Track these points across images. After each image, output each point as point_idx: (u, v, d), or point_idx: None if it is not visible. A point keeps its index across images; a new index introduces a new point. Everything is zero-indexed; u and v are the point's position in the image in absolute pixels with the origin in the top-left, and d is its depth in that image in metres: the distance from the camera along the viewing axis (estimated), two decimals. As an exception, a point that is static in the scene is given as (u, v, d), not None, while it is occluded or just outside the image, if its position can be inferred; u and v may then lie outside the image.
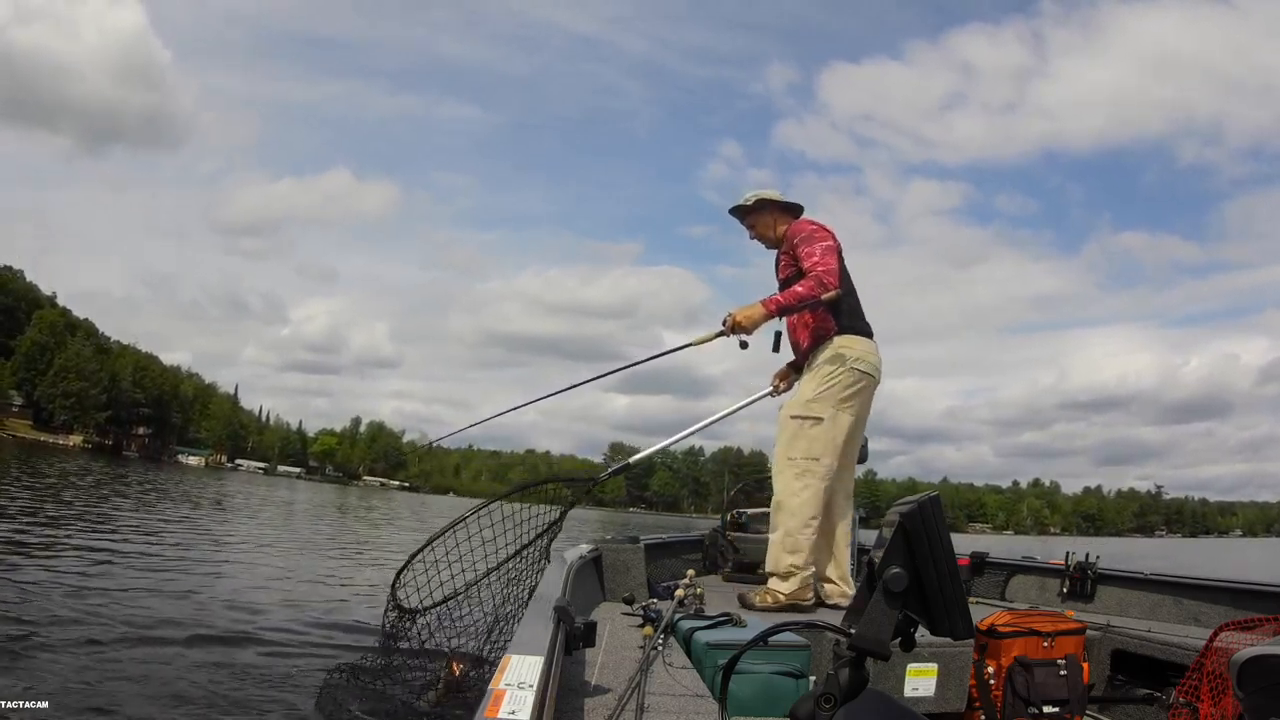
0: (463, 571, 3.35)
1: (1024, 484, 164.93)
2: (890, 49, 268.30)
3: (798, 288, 3.54)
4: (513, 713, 1.16)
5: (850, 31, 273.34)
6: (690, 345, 3.83)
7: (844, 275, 3.68)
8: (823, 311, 3.63)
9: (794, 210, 3.90)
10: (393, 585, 3.58)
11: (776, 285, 3.85)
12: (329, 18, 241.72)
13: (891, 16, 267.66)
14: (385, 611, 3.59)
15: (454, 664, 3.55)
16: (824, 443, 3.53)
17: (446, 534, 3.45)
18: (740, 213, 3.95)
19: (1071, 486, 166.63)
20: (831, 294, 3.53)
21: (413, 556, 3.63)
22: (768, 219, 3.89)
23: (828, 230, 3.70)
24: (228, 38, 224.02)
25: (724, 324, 3.59)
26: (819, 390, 3.57)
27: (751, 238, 3.95)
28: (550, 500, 3.48)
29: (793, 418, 3.59)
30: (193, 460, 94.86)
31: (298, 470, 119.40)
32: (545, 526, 3.29)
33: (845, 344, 3.61)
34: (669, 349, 4.12)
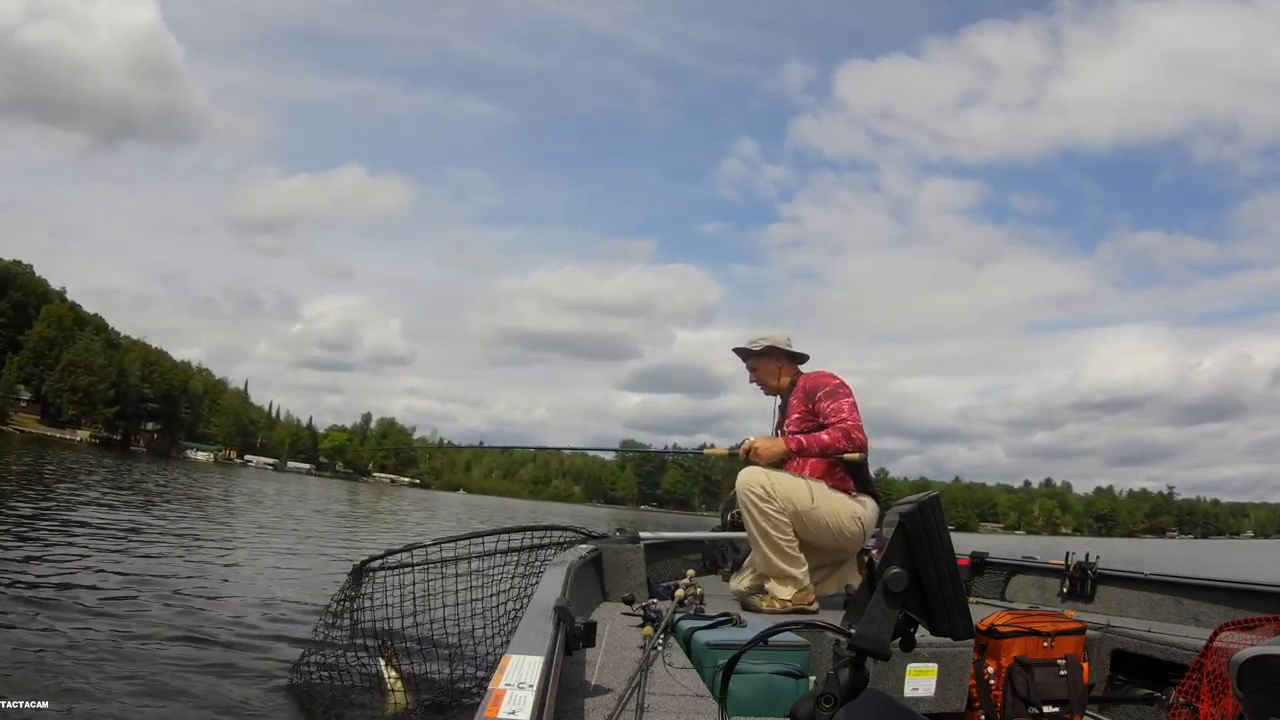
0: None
1: (1035, 484, 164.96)
2: (908, 46, 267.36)
3: (823, 435, 3.47)
4: (513, 713, 1.16)
5: (867, 28, 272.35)
6: (704, 451, 3.97)
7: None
8: (841, 473, 3.57)
9: (799, 359, 3.85)
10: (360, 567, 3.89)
11: (771, 426, 3.86)
12: (343, 14, 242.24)
13: (909, 13, 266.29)
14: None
15: (389, 656, 3.75)
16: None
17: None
18: (744, 354, 3.89)
19: (1083, 487, 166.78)
20: (855, 455, 3.49)
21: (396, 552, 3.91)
22: (773, 366, 3.84)
23: (849, 386, 3.65)
24: (241, 34, 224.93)
25: (741, 445, 3.61)
26: (824, 512, 3.48)
27: (751, 380, 3.89)
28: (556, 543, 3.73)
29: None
30: (201, 456, 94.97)
31: (307, 466, 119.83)
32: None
33: (865, 506, 3.57)
34: (685, 450, 4.31)
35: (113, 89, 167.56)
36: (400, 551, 3.89)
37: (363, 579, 3.89)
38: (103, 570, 6.79)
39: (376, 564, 3.89)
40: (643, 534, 4.02)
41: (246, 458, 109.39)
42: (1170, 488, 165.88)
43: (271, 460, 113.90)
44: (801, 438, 3.52)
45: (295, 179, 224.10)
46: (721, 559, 4.78)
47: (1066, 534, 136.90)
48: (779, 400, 3.87)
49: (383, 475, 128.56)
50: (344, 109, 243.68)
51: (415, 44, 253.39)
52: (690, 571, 3.10)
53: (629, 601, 3.09)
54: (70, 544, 8.19)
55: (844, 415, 3.50)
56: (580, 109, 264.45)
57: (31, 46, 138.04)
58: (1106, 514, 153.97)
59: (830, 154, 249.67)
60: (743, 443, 3.62)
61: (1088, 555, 4.36)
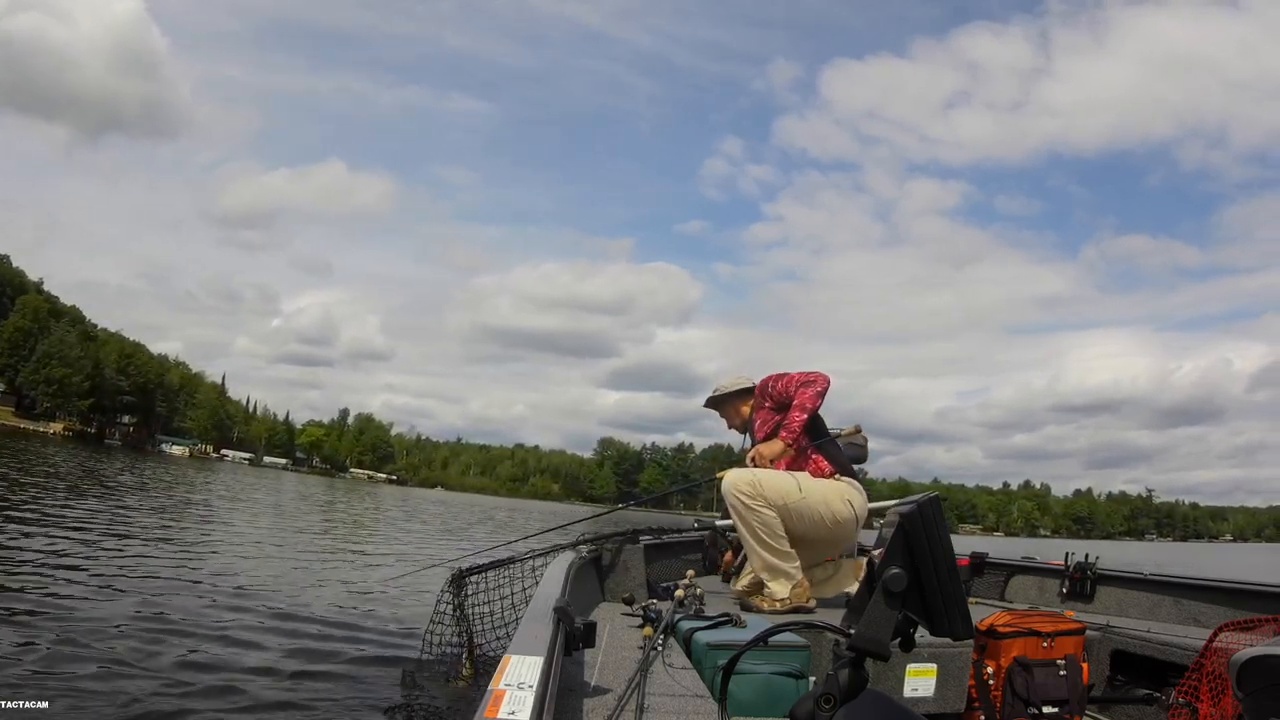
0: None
1: (1014, 486, 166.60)
2: (895, 46, 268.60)
3: (793, 411, 3.58)
4: (513, 713, 1.16)
5: (855, 28, 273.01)
6: (718, 477, 3.98)
7: (821, 422, 3.75)
8: (815, 456, 3.64)
9: (748, 393, 4.00)
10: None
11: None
12: (329, 8, 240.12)
13: (897, 13, 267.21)
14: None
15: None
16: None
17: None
18: (714, 404, 4.10)
19: (1061, 489, 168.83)
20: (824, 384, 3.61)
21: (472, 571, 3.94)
22: (729, 410, 4.07)
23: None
24: (226, 26, 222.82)
25: (750, 459, 3.67)
26: (814, 499, 3.49)
27: (729, 428, 4.10)
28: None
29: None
30: (176, 450, 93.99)
31: (284, 461, 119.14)
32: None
33: (851, 487, 3.59)
34: (693, 482, 4.29)
35: (96, 81, 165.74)
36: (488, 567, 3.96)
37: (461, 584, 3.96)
38: (92, 570, 6.68)
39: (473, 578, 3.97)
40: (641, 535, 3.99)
41: (223, 452, 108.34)
42: (1149, 490, 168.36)
43: (248, 455, 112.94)
44: (784, 427, 3.59)
45: (277, 173, 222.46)
46: (721, 559, 4.76)
47: (1045, 536, 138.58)
48: (750, 429, 3.97)
49: (359, 471, 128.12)
50: (329, 104, 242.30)
51: (403, 39, 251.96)
52: (690, 571, 3.09)
53: (629, 602, 3.08)
54: (42, 539, 8.06)
55: (793, 377, 3.65)
56: (567, 107, 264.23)
57: (14, 38, 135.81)
58: (1085, 516, 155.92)
59: (815, 153, 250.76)
60: (750, 456, 3.67)
61: (1087, 556, 4.38)
